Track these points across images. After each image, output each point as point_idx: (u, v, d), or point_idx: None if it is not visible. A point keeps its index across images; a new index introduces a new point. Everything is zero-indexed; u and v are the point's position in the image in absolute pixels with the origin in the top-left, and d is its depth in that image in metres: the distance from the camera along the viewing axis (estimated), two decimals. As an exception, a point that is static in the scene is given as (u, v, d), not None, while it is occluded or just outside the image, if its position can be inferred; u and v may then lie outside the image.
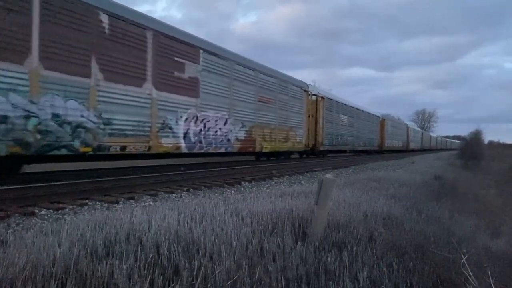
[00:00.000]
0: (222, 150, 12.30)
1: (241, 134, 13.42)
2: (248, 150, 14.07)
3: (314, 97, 20.58)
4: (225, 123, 12.38)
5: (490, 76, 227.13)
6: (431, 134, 79.50)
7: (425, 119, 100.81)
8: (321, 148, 21.42)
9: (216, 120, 11.85)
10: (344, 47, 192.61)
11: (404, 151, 44.78)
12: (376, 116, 35.31)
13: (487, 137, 57.77)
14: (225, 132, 12.39)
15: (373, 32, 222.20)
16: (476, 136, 35.64)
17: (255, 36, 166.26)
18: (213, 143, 11.72)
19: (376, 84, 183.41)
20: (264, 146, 15.05)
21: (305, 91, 19.40)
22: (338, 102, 24.58)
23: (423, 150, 58.91)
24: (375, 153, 34.28)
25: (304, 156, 21.95)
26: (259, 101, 14.67)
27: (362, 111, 30.58)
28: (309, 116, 19.85)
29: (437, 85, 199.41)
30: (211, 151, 11.64)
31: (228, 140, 12.56)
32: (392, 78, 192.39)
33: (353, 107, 27.84)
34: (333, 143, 23.14)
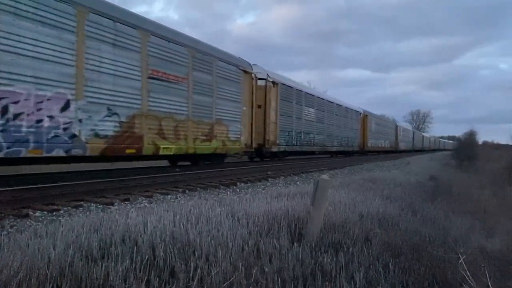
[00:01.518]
0: (59, 152, 7.27)
1: (108, 127, 8.38)
2: (126, 152, 8.93)
3: (262, 82, 15.45)
4: (64, 108, 7.37)
5: (486, 76, 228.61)
6: (424, 134, 76.63)
7: (420, 119, 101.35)
8: (274, 149, 16.65)
9: (39, 102, 6.88)
10: (341, 48, 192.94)
11: (392, 152, 40.24)
12: (356, 111, 29.70)
13: (481, 138, 57.97)
14: (65, 123, 7.38)
15: (369, 33, 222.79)
16: (470, 137, 35.83)
17: (252, 36, 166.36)
18: (30, 140, 6.73)
19: (372, 85, 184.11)
20: (163, 146, 9.95)
21: (246, 72, 13.92)
22: (301, 91, 19.64)
23: (414, 151, 55.97)
24: (356, 155, 30.26)
25: (257, 159, 17.49)
26: (151, 78, 9.50)
27: (337, 104, 25.15)
28: (254, 107, 14.72)
29: (433, 86, 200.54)
30: (24, 154, 6.67)
31: (73, 136, 7.54)
32: (388, 79, 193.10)
33: (323, 99, 23.16)
34: (293, 143, 18.45)
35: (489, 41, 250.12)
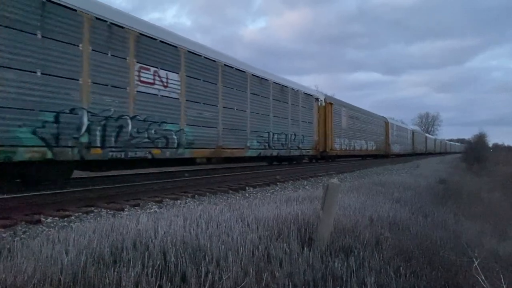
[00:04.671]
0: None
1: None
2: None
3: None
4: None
5: (496, 78, 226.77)
6: (428, 135, 68.31)
7: (428, 122, 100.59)
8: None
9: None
10: (351, 51, 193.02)
11: (382, 157, 32.86)
12: (308, 94, 19.20)
13: (491, 140, 57.32)
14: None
15: (379, 36, 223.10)
16: (480, 139, 35.48)
17: (263, 42, 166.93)
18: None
19: (381, 88, 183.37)
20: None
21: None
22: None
23: (427, 154, 53.70)
24: (306, 163, 20.73)
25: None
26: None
27: (274, 83, 16.14)
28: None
29: (443, 88, 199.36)
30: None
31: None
32: (398, 82, 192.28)
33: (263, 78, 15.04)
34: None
35: (500, 42, 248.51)
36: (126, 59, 8.87)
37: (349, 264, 3.11)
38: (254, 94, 14.48)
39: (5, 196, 6.45)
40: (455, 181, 13.41)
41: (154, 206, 6.56)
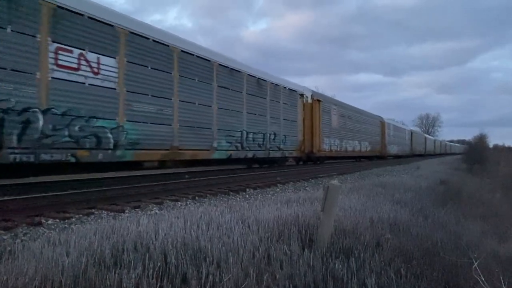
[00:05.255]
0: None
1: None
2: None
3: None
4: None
5: (497, 79, 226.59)
6: (427, 136, 66.74)
7: (429, 123, 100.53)
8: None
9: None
10: (352, 53, 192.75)
11: (378, 158, 31.39)
12: (292, 90, 17.61)
13: (492, 141, 57.19)
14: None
15: (381, 37, 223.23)
16: (480, 140, 35.47)
17: (264, 43, 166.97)
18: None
19: (383, 89, 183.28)
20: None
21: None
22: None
23: (427, 155, 52.53)
24: (290, 165, 18.78)
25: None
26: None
27: (249, 75, 14.27)
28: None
29: (444, 89, 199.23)
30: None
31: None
32: (400, 83, 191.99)
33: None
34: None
35: (502, 43, 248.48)
36: (36, 36, 7.00)
37: (349, 265, 3.11)
38: (222, 87, 12.50)
39: (5, 198, 6.47)
40: (456, 182, 13.41)
41: (154, 208, 6.57)
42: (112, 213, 6.01)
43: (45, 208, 5.93)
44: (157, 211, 6.24)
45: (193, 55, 11.20)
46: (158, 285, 2.55)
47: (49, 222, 5.33)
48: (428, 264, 3.44)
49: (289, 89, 17.52)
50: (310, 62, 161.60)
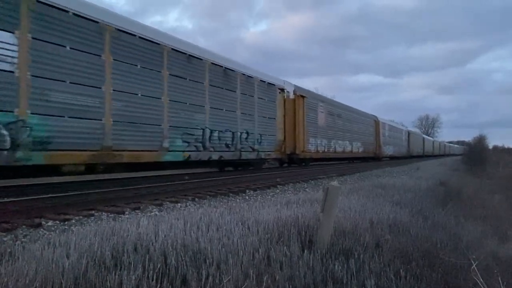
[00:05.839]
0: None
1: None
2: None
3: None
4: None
5: (497, 80, 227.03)
6: (426, 136, 65.33)
7: (428, 124, 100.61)
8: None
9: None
10: (352, 54, 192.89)
11: (372, 159, 30.19)
12: (268, 83, 15.60)
13: (492, 142, 57.16)
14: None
15: (381, 38, 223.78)
16: (480, 141, 35.50)
17: (264, 44, 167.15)
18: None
19: (383, 90, 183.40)
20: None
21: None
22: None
23: (426, 156, 51.75)
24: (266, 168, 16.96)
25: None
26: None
27: (211, 63, 12.34)
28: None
29: (445, 90, 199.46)
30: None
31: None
32: (400, 84, 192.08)
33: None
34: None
35: (502, 44, 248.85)
36: None
37: (349, 266, 3.12)
38: (176, 76, 10.55)
39: (5, 200, 6.47)
40: (456, 183, 13.41)
41: (154, 209, 6.57)
42: (112, 215, 6.02)
43: (45, 209, 5.94)
44: (157, 212, 6.24)
45: (135, 35, 9.29)
46: (158, 287, 2.55)
47: (49, 223, 5.33)
48: (427, 265, 3.44)
49: (266, 82, 15.52)
50: (310, 62, 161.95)
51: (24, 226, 5.04)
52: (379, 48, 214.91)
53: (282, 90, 16.79)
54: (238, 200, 7.92)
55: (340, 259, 3.30)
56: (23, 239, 4.37)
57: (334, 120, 22.61)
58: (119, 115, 8.80)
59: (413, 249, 3.82)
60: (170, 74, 10.32)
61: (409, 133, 45.34)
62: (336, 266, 3.09)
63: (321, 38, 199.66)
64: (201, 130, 11.56)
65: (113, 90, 8.68)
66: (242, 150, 13.64)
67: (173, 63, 10.51)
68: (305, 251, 3.39)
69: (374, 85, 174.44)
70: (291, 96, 17.50)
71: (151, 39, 9.83)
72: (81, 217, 5.77)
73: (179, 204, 7.14)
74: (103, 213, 6.12)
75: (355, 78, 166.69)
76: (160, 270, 2.77)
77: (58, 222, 5.43)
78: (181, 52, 10.84)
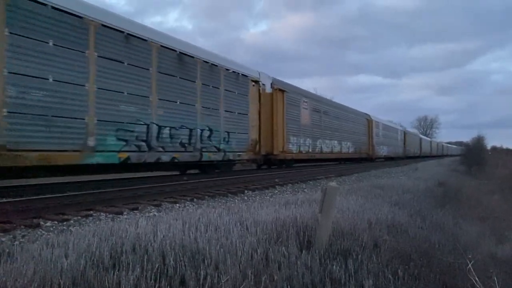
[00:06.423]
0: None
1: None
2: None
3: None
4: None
5: (497, 81, 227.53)
6: (423, 136, 62.62)
7: (427, 125, 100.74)
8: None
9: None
10: (352, 54, 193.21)
11: (366, 160, 28.40)
12: (239, 74, 13.22)
13: (490, 143, 57.25)
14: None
15: (381, 39, 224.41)
16: (478, 142, 35.57)
17: (264, 44, 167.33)
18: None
19: (383, 91, 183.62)
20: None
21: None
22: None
23: (423, 157, 50.52)
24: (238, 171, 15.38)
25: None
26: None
27: (170, 50, 10.34)
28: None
29: (444, 91, 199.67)
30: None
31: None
32: (400, 85, 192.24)
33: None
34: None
35: (502, 45, 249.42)
36: None
37: (347, 267, 3.13)
38: (107, 58, 8.40)
39: (4, 200, 6.46)
40: (454, 183, 13.45)
41: (153, 210, 6.57)
42: (111, 215, 6.01)
43: (43, 210, 5.92)
44: (155, 213, 6.24)
45: (46, 5, 7.21)
46: (156, 287, 2.55)
47: (48, 224, 5.32)
48: (425, 266, 3.46)
49: (236, 72, 13.19)
50: (310, 63, 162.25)
51: (22, 227, 5.03)
52: (379, 48, 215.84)
53: (257, 82, 14.40)
54: (236, 200, 7.92)
55: (338, 259, 3.31)
56: (21, 240, 4.37)
57: (321, 118, 20.52)
58: (17, 104, 6.69)
59: (411, 250, 3.83)
60: (99, 56, 8.19)
61: (405, 132, 43.33)
62: (334, 267, 3.10)
63: (321, 39, 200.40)
64: (145, 126, 9.44)
65: (8, 72, 6.56)
66: (204, 150, 11.55)
67: (104, 43, 8.34)
68: (304, 251, 3.40)
69: (373, 85, 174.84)
70: (268, 89, 15.39)
71: (70, 11, 7.64)
72: (79, 217, 5.76)
73: (177, 205, 7.13)
74: (102, 214, 6.11)
75: (355, 79, 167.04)
76: (159, 270, 2.78)
77: (56, 222, 5.42)
78: (116, 29, 8.60)
